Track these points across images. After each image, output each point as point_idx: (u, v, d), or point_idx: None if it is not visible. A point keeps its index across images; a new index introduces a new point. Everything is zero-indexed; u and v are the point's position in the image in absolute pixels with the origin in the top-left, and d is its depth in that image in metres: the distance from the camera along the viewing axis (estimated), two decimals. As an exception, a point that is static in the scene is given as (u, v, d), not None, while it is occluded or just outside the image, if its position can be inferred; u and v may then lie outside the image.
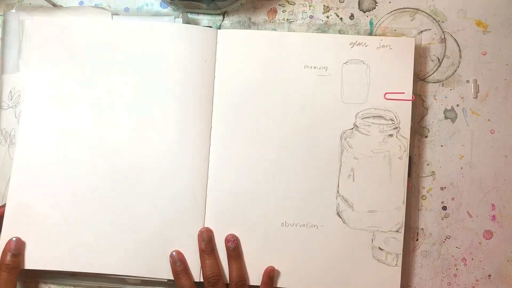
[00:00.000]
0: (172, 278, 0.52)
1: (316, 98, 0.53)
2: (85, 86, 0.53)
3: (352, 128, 0.53)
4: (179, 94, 0.53)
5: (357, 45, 0.53)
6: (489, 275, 0.54)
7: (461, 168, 0.55)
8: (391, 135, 0.52)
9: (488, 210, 0.55)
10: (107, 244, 0.52)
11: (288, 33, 0.54)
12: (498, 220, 0.54)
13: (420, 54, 0.55)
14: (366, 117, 0.52)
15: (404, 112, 0.52)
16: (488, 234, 0.54)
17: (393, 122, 0.52)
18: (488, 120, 0.55)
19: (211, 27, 0.56)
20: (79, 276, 0.54)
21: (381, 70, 0.53)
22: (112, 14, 0.54)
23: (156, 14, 0.55)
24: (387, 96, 0.53)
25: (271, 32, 0.54)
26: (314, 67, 0.53)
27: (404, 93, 0.52)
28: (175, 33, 0.53)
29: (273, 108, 0.53)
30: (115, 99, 0.53)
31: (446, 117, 0.55)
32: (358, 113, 0.53)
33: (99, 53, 0.53)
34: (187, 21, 0.55)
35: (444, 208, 0.54)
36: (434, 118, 0.55)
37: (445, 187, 0.54)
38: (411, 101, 0.52)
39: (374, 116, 0.52)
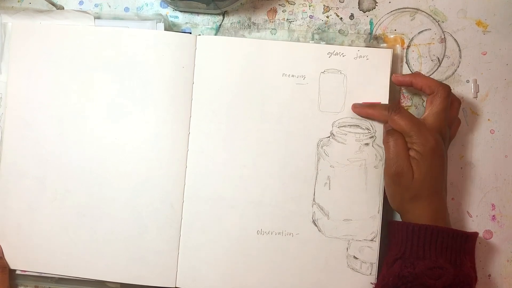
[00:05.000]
0: (151, 284, 0.52)
1: (293, 106, 0.53)
2: (64, 91, 0.53)
3: (329, 137, 0.53)
4: (157, 100, 0.53)
5: (335, 55, 0.53)
6: (489, 275, 0.54)
7: (461, 168, 0.55)
8: (367, 144, 0.52)
9: (488, 210, 0.55)
10: (86, 249, 0.52)
11: (267, 41, 0.54)
12: (498, 220, 0.55)
13: (420, 54, 0.55)
14: (342, 126, 0.53)
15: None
16: (488, 234, 0.54)
17: (369, 131, 0.52)
18: (488, 120, 0.55)
19: (190, 33, 0.56)
20: (60, 280, 0.54)
21: (358, 80, 0.53)
22: (95, 18, 0.54)
23: (141, 19, 0.55)
24: None
25: (250, 39, 0.54)
26: (292, 76, 0.53)
27: (380, 102, 0.52)
28: (154, 40, 0.53)
29: (251, 115, 0.53)
30: (93, 104, 0.53)
31: (446, 117, 0.55)
32: (334, 121, 0.53)
33: (78, 58, 0.53)
34: (169, 26, 0.55)
35: (444, 208, 0.54)
36: (434, 118, 0.55)
37: (445, 187, 0.54)
38: None
39: (350, 125, 0.53)
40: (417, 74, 0.52)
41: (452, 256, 0.47)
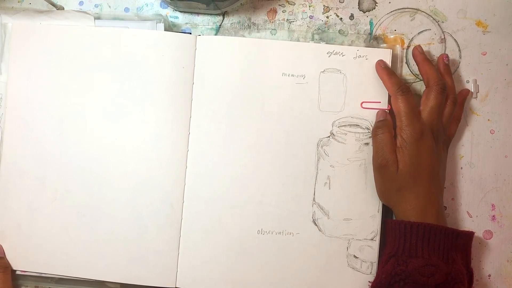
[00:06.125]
0: (151, 284, 0.52)
1: (293, 105, 0.53)
2: (64, 91, 0.53)
3: (329, 136, 0.53)
4: (157, 100, 0.53)
5: (334, 54, 0.53)
6: (489, 275, 0.54)
7: (461, 168, 0.55)
8: (367, 144, 0.52)
9: (488, 210, 0.55)
10: (86, 249, 0.52)
11: (267, 41, 0.54)
12: (498, 220, 0.55)
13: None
14: (342, 126, 0.53)
15: None
16: (488, 234, 0.54)
17: (369, 131, 0.52)
18: (488, 120, 0.55)
19: (190, 33, 0.56)
20: (60, 280, 0.54)
21: (358, 79, 0.53)
22: (95, 19, 0.54)
23: (141, 19, 0.55)
24: (364, 105, 0.53)
25: (249, 39, 0.54)
26: (292, 75, 0.53)
27: (380, 102, 0.52)
28: (154, 40, 0.53)
29: (251, 115, 0.53)
30: (93, 104, 0.53)
31: (446, 117, 0.55)
32: (334, 121, 0.53)
33: (78, 58, 0.53)
34: (169, 26, 0.55)
35: (444, 208, 0.54)
36: (434, 118, 0.55)
37: (445, 187, 0.54)
38: (387, 110, 0.52)
39: (350, 125, 0.53)
40: (426, 62, 0.52)
41: (445, 254, 0.47)
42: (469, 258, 0.49)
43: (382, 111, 0.52)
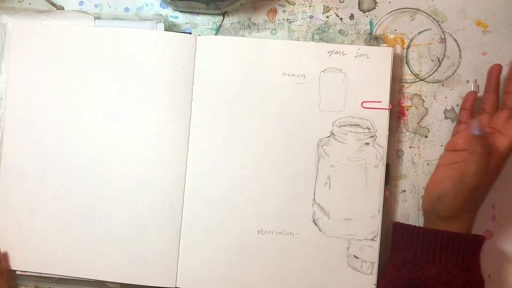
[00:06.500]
0: (151, 284, 0.52)
1: (293, 105, 0.53)
2: (64, 91, 0.54)
3: (329, 136, 0.53)
4: (157, 100, 0.53)
5: (335, 53, 0.53)
6: (489, 275, 0.54)
7: (461, 168, 0.55)
8: (367, 144, 0.52)
9: (488, 210, 0.54)
10: (86, 249, 0.53)
11: (267, 40, 0.54)
12: (498, 220, 0.54)
13: (420, 54, 0.55)
14: (343, 125, 0.53)
15: (381, 121, 0.52)
16: (488, 234, 0.54)
17: (370, 131, 0.52)
18: (488, 120, 0.55)
19: (190, 33, 0.56)
20: (60, 280, 0.54)
21: (359, 78, 0.53)
22: (95, 19, 0.54)
23: (141, 19, 0.55)
24: (364, 104, 0.53)
25: (250, 39, 0.54)
26: (292, 75, 0.53)
27: (381, 102, 0.52)
28: (154, 40, 0.53)
29: (251, 115, 0.53)
30: (93, 104, 0.53)
31: (446, 117, 0.55)
32: (335, 121, 0.53)
33: (78, 58, 0.53)
34: (169, 26, 0.55)
35: (444, 208, 0.54)
36: (434, 118, 0.55)
37: (445, 187, 0.54)
38: (388, 110, 0.52)
39: (351, 125, 0.53)
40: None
41: (464, 262, 0.46)
42: (480, 263, 0.49)
43: (477, 121, 0.46)
